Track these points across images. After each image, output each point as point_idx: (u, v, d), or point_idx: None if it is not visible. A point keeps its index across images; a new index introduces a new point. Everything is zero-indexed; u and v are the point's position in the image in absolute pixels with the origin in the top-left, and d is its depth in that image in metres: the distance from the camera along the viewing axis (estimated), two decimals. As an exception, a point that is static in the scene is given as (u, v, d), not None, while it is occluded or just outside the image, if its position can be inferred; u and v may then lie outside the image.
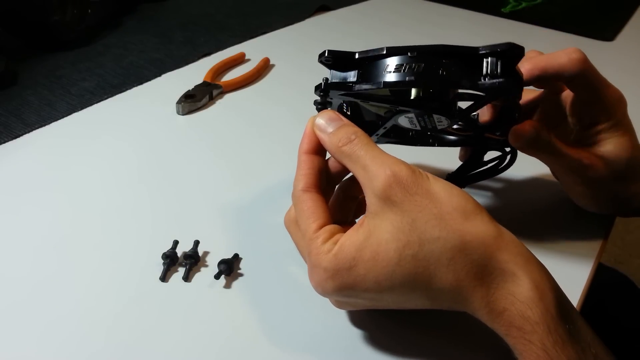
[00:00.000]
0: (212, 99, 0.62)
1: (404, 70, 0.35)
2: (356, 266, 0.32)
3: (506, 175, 0.51)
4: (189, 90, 0.62)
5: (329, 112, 0.36)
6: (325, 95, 0.38)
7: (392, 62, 0.35)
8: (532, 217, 0.48)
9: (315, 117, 0.37)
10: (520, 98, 0.38)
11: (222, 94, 0.64)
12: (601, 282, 0.57)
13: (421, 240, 0.31)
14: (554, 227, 0.46)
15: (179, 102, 0.60)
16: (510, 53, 0.34)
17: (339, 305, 0.37)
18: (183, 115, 0.59)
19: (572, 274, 0.41)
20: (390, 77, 0.35)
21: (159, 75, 0.67)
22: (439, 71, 0.34)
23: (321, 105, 0.38)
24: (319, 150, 0.37)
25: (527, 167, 0.53)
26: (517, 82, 0.35)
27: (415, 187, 0.32)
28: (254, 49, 0.73)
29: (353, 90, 0.37)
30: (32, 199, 0.47)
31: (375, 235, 0.32)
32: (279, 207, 0.47)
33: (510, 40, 0.34)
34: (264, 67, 0.69)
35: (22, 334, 0.36)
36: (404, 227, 0.31)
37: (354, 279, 0.32)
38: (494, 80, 0.34)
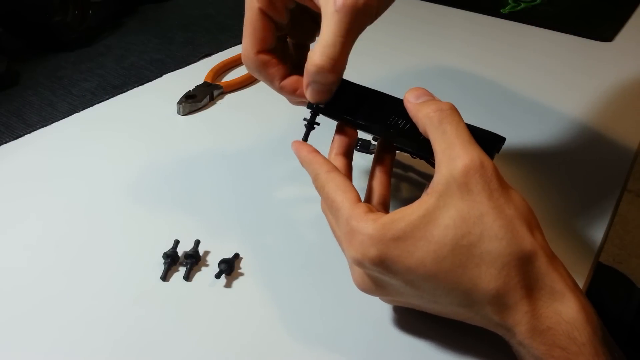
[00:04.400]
0: (212, 100, 0.63)
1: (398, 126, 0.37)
2: (405, 240, 0.31)
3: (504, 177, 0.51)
4: (189, 91, 0.62)
5: (419, 90, 0.36)
6: (315, 116, 0.39)
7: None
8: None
9: (408, 92, 0.36)
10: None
11: (222, 94, 0.64)
12: (600, 281, 0.58)
13: (483, 236, 0.30)
14: (552, 227, 0.46)
15: (179, 103, 0.60)
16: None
17: (368, 285, 0.34)
18: (184, 115, 0.60)
19: (571, 273, 0.41)
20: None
21: (160, 76, 0.67)
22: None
23: (309, 124, 0.39)
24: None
25: (523, 167, 0.53)
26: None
27: (497, 183, 0.31)
28: (255, 49, 0.73)
29: (346, 121, 0.38)
30: (32, 199, 0.47)
31: (434, 216, 0.31)
32: (280, 207, 0.48)
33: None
34: (264, 68, 0.69)
35: (24, 333, 0.36)
36: (469, 218, 0.30)
37: (399, 252, 0.31)
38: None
